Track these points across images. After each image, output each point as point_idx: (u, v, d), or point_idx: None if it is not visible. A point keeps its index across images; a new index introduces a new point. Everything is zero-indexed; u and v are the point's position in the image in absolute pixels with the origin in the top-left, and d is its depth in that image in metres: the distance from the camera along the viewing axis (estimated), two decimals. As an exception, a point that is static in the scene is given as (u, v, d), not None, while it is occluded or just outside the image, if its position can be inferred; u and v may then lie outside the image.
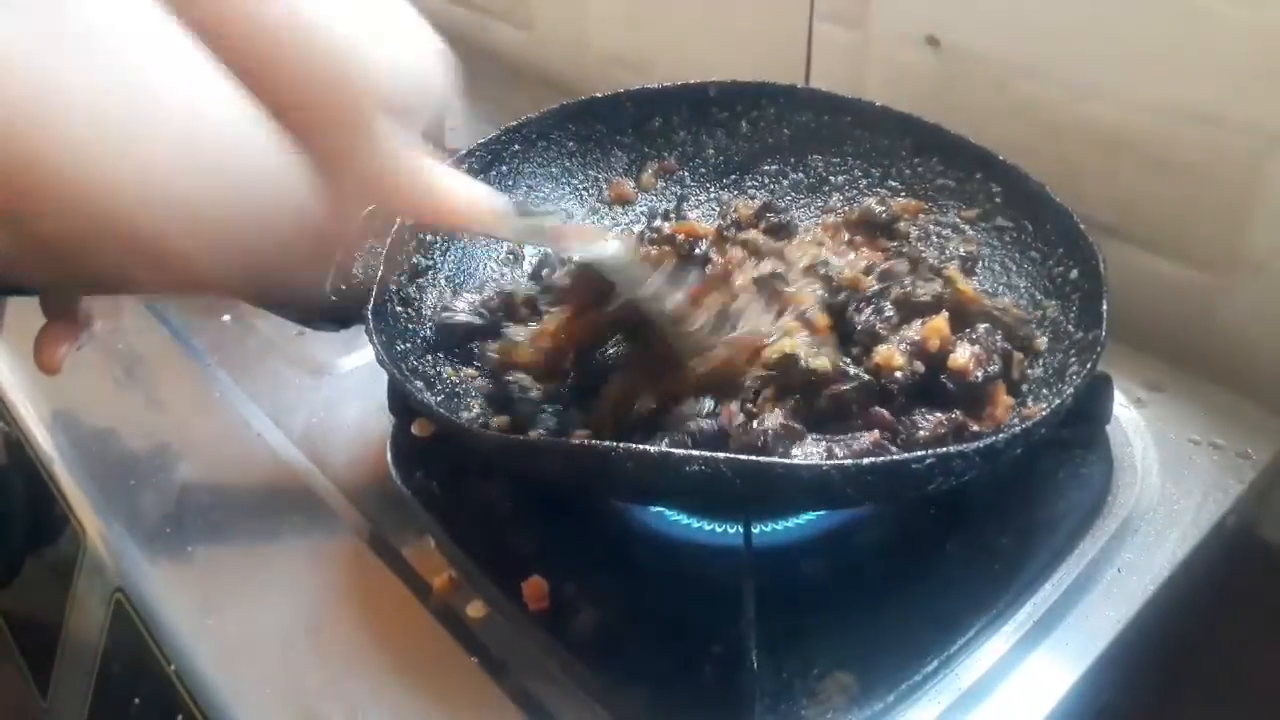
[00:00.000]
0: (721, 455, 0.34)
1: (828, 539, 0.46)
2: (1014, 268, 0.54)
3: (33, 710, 0.54)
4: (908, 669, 0.40)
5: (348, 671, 0.41)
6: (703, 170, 0.63)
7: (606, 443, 0.36)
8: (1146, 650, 0.45)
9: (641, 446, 0.35)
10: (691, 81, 0.63)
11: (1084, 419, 0.48)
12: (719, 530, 0.46)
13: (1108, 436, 0.51)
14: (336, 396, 0.57)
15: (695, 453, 0.34)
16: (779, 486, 0.36)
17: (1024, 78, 0.60)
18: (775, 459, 0.35)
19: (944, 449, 0.36)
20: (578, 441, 0.38)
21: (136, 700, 0.45)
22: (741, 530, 0.44)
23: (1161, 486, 0.48)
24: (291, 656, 0.42)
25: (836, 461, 0.36)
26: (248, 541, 0.48)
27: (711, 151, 0.64)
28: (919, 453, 0.36)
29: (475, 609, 0.43)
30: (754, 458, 0.35)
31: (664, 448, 0.36)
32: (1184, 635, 0.52)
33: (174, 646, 0.43)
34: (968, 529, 0.46)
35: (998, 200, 0.56)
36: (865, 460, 0.36)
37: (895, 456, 0.39)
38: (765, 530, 0.45)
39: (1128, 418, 0.52)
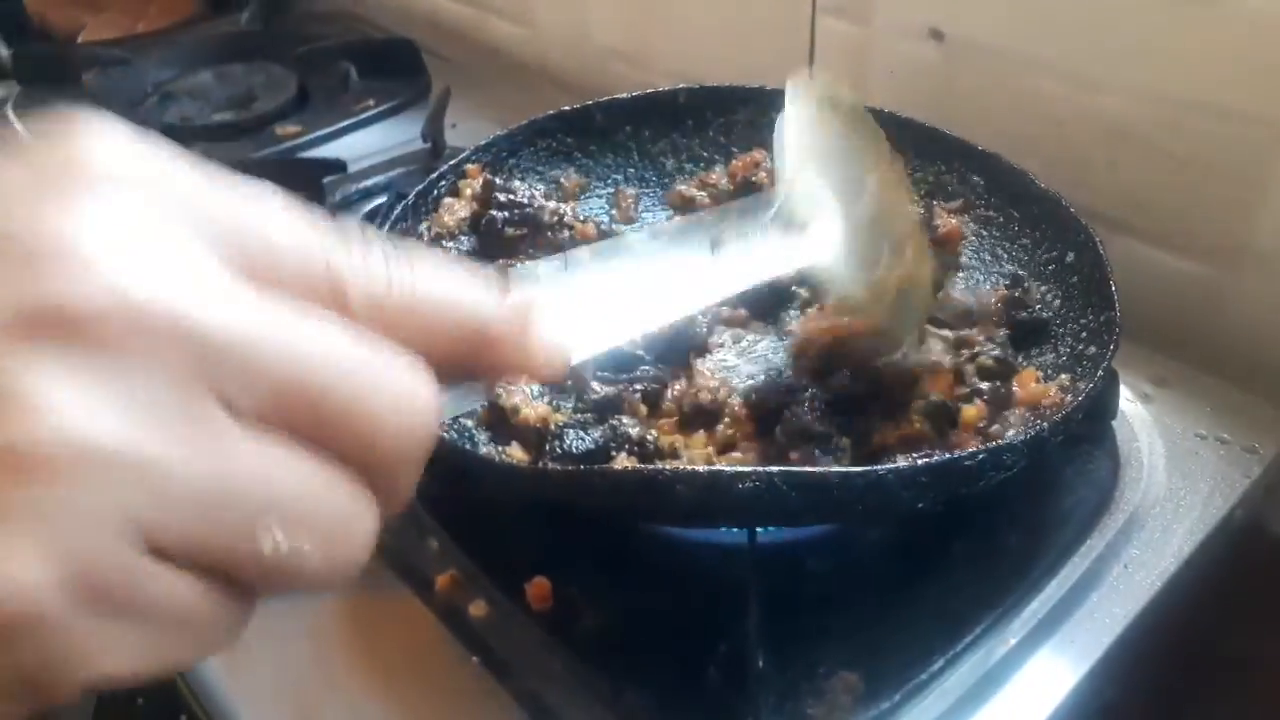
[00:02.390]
0: (775, 469, 0.34)
1: (833, 538, 0.46)
2: (1005, 256, 0.54)
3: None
4: (914, 668, 0.40)
5: (349, 670, 0.41)
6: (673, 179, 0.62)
7: (652, 467, 0.35)
8: (1153, 646, 0.44)
9: (689, 467, 0.34)
10: (661, 89, 0.63)
11: (1090, 414, 0.48)
12: (723, 530, 0.45)
13: (1114, 432, 0.50)
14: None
15: (747, 469, 0.34)
16: (835, 495, 0.35)
17: (1028, 70, 0.60)
18: (828, 468, 0.35)
19: (993, 443, 0.36)
20: (621, 469, 0.36)
21: (140, 700, 0.45)
22: (746, 530, 0.43)
23: (1168, 482, 0.48)
24: (293, 655, 0.42)
25: (891, 465, 0.35)
26: (250, 541, 0.48)
27: (686, 158, 0.62)
28: (970, 449, 0.35)
29: (478, 608, 0.43)
30: (807, 468, 0.34)
31: (714, 466, 0.35)
32: (1191, 631, 0.52)
33: (176, 647, 0.43)
34: (973, 526, 0.45)
35: (979, 190, 0.56)
36: (920, 461, 0.36)
37: (945, 456, 0.39)
38: (770, 529, 0.45)
39: (1134, 413, 0.52)
